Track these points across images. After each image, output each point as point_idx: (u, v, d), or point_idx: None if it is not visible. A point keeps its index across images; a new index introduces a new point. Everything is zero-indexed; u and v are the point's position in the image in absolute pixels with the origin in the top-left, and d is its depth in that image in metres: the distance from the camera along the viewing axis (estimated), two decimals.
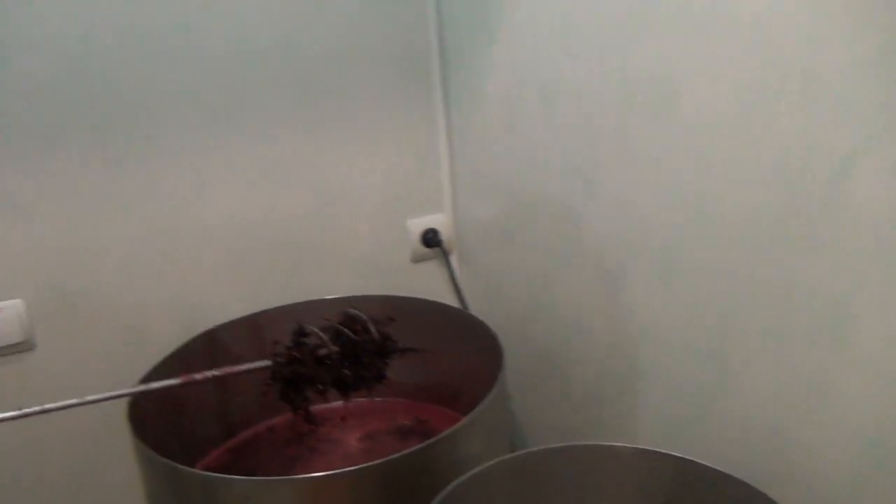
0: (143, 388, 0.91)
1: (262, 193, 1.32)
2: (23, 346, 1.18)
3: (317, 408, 0.97)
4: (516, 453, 0.90)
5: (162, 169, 1.22)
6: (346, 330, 0.96)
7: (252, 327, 1.28)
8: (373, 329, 0.97)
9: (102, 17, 1.13)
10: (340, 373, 0.94)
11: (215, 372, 0.91)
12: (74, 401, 0.83)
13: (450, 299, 1.50)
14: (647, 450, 0.87)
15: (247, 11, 1.22)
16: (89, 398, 0.84)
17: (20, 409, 0.80)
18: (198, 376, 0.89)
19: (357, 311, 0.99)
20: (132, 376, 1.06)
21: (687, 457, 0.83)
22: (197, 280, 1.29)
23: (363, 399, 1.01)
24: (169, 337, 1.20)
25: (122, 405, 0.98)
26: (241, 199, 1.30)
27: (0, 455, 1.19)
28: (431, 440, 0.89)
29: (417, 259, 1.49)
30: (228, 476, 0.87)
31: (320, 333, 0.95)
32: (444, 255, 1.49)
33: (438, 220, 1.48)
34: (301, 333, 0.96)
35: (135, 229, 1.23)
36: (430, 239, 1.47)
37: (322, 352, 0.94)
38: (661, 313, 1.02)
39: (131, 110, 1.18)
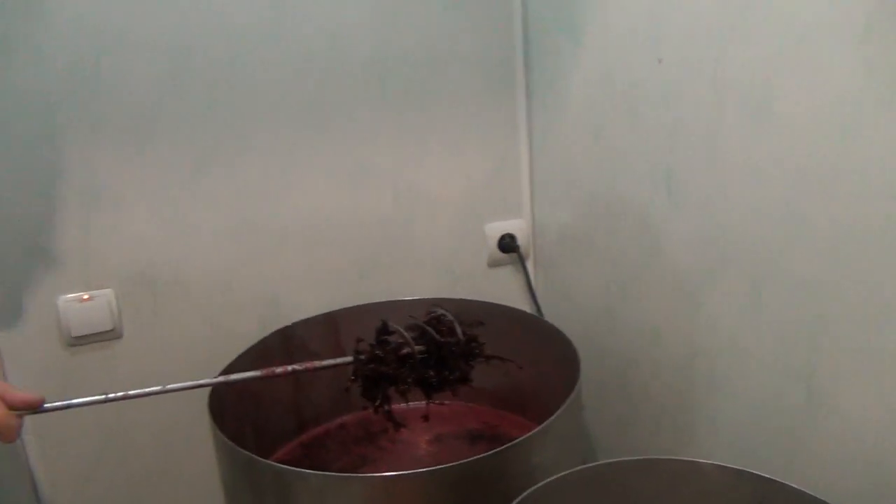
0: (222, 379, 0.92)
1: (344, 194, 1.33)
2: (111, 335, 1.22)
3: (398, 407, 0.94)
4: (594, 463, 0.88)
5: (249, 167, 1.25)
6: (430, 330, 0.92)
7: (329, 325, 1.30)
8: (459, 330, 0.93)
9: (200, 20, 1.16)
10: (424, 373, 0.91)
11: (296, 366, 0.89)
12: (157, 388, 0.84)
13: (525, 305, 1.48)
14: (733, 468, 0.83)
15: (337, 18, 1.24)
16: (170, 386, 0.85)
17: (105, 395, 0.81)
18: (278, 370, 0.89)
19: (445, 311, 0.95)
20: (211, 368, 1.09)
21: (774, 478, 0.80)
22: (277, 277, 1.32)
23: (437, 402, 0.98)
24: (248, 331, 1.23)
25: (203, 397, 1.01)
26: (323, 199, 1.32)
27: (86, 438, 1.24)
28: (506, 445, 0.88)
29: (494, 264, 1.48)
30: (303, 470, 0.88)
31: (403, 332, 0.92)
32: (521, 261, 1.48)
33: (516, 226, 1.47)
34: (385, 331, 0.94)
35: (220, 225, 1.26)
36: (507, 244, 1.46)
37: (405, 351, 0.91)
38: (745, 327, 0.98)
39: (223, 109, 1.21)
